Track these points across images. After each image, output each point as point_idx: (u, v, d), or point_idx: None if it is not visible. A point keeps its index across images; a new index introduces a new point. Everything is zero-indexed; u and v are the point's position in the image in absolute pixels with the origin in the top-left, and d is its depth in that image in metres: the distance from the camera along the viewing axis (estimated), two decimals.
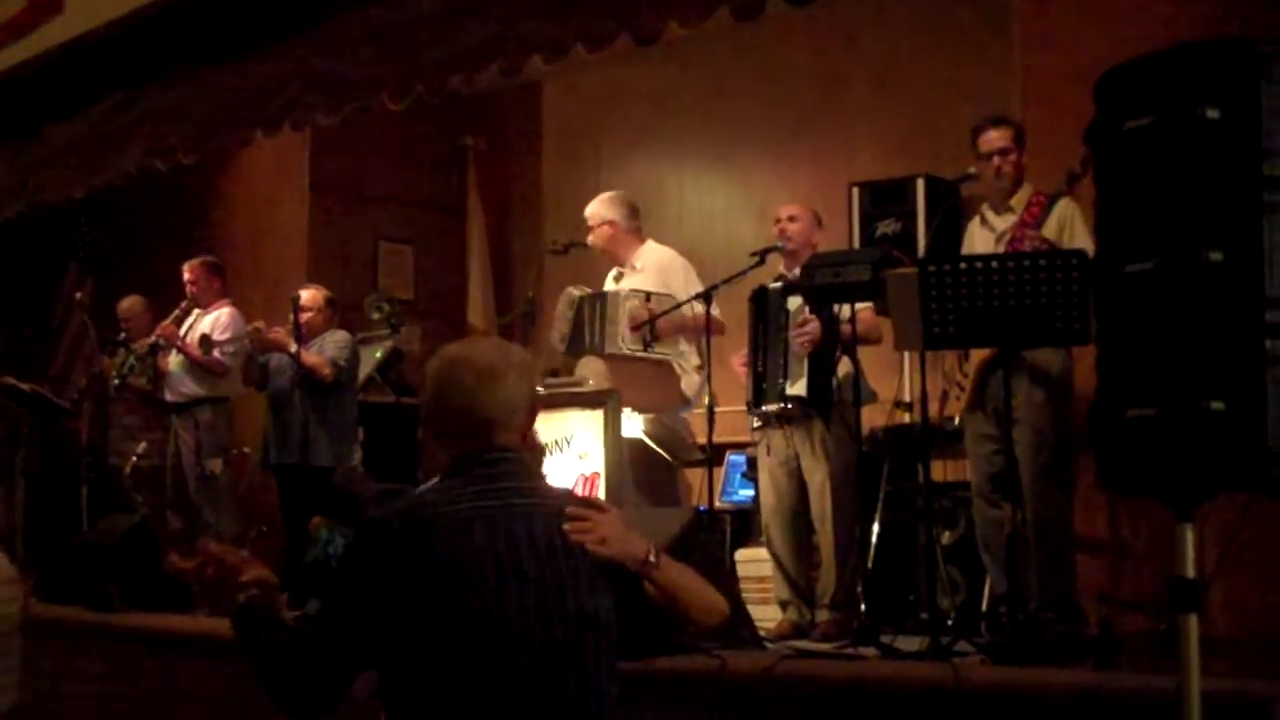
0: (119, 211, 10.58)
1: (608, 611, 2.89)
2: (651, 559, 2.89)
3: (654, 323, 6.24)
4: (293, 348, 7.72)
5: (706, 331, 5.96)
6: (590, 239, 6.92)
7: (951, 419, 6.53)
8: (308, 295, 7.98)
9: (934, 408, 7.12)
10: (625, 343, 6.28)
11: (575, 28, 4.99)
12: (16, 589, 6.10)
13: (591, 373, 6.25)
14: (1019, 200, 5.55)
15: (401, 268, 10.75)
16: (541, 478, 3.49)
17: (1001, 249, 5.42)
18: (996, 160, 5.57)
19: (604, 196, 7.03)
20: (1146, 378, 3.37)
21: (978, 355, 5.45)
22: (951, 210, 6.89)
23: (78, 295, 10.17)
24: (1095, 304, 3.60)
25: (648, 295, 6.33)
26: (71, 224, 10.75)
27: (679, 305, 6.28)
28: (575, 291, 6.71)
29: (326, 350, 7.92)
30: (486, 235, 10.76)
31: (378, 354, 9.16)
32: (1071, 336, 4.69)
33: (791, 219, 6.27)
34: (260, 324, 8.03)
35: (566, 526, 2.86)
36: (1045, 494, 5.27)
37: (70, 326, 10.45)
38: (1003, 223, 5.58)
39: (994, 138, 5.60)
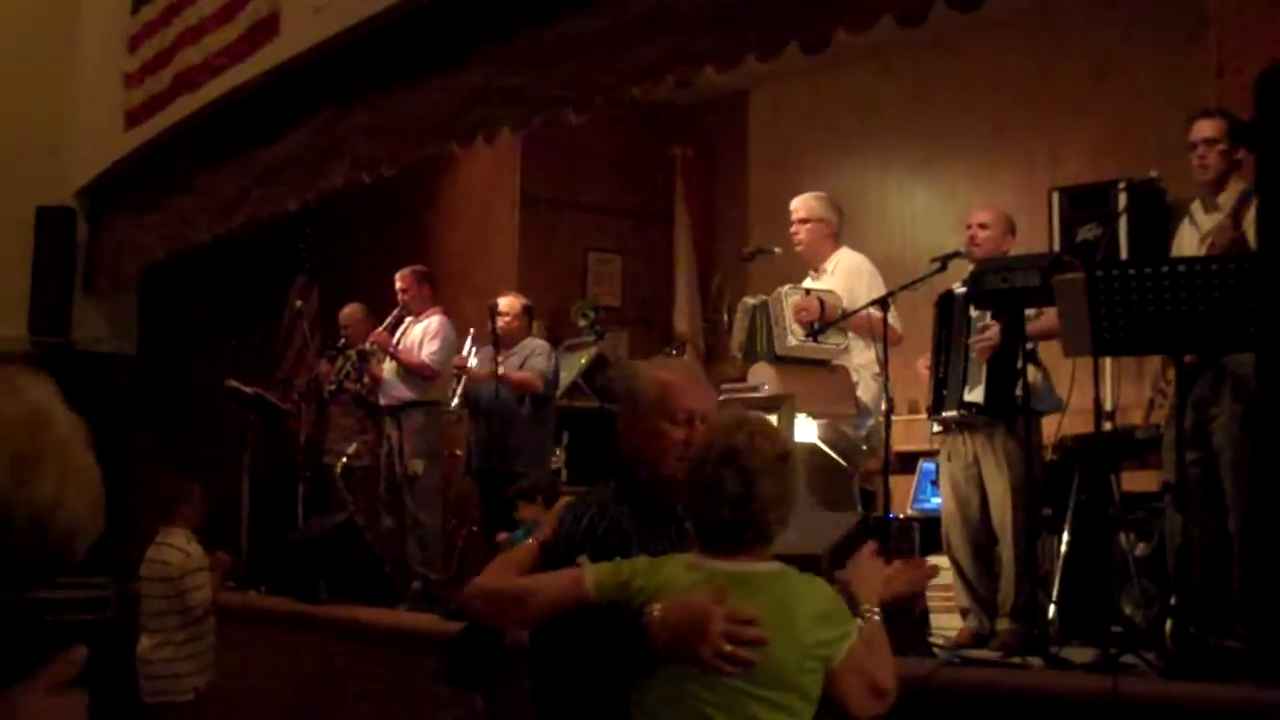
0: (343, 221, 11.06)
1: None
2: None
3: (822, 311, 6.24)
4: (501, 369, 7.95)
5: (884, 339, 5.93)
6: (797, 234, 6.90)
7: (1152, 426, 6.41)
8: (505, 302, 8.23)
9: (1140, 415, 6.98)
10: (794, 336, 6.29)
11: (745, 39, 5.05)
12: (205, 576, 6.50)
13: (765, 377, 6.29)
14: (1227, 199, 5.33)
15: (610, 276, 10.97)
16: None
17: (1204, 249, 5.25)
18: (1200, 149, 5.37)
19: (818, 195, 7.03)
20: None
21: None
22: (1154, 213, 6.72)
23: (299, 304, 10.64)
24: (1256, 307, 3.52)
25: (807, 291, 6.35)
26: (298, 235, 11.26)
27: (853, 314, 6.27)
28: (750, 301, 6.77)
29: (533, 363, 8.15)
30: (693, 243, 10.90)
31: (582, 360, 9.35)
32: (1246, 343, 4.54)
33: (983, 226, 6.18)
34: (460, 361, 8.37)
35: None
36: (1251, 504, 5.07)
37: (295, 333, 10.94)
38: (1209, 221, 5.37)
39: (1202, 127, 5.39)
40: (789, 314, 6.38)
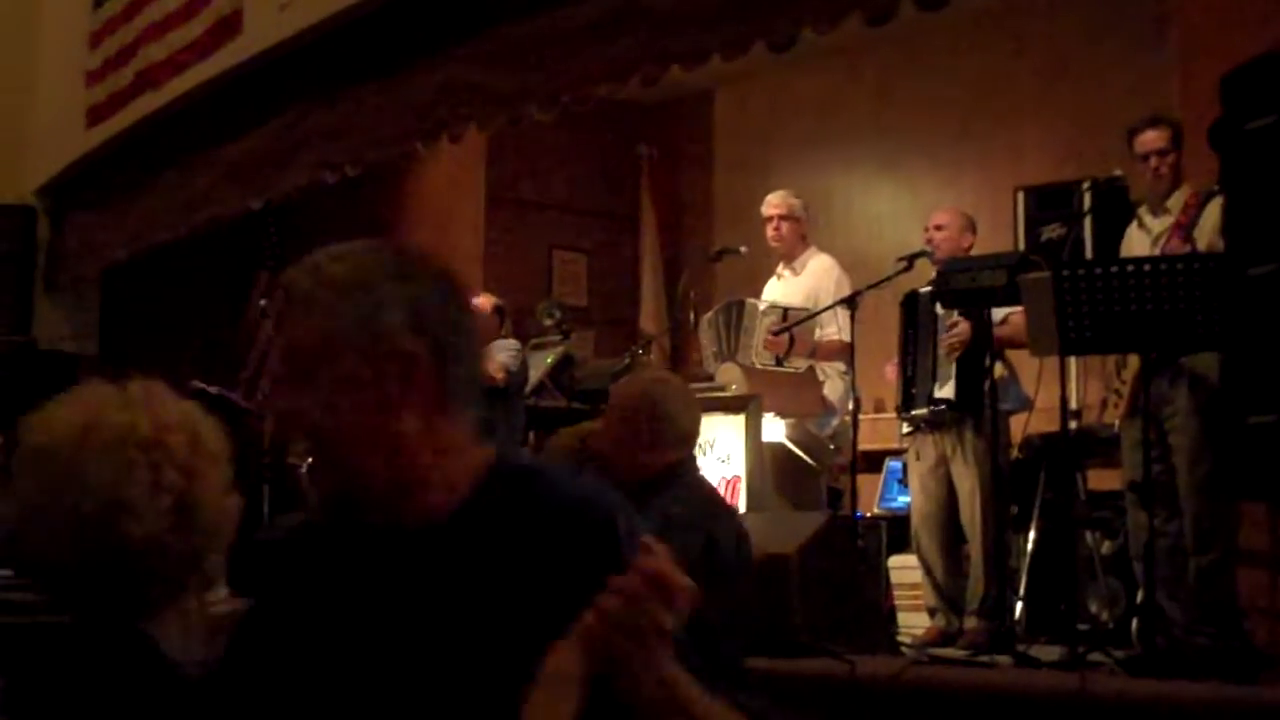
0: (307, 220, 10.96)
1: None
2: None
3: (790, 345, 6.30)
4: None
5: (851, 339, 5.95)
6: (779, 229, 6.89)
7: (1108, 425, 6.44)
8: (476, 302, 8.20)
9: (1094, 414, 7.02)
10: (758, 358, 6.33)
11: (712, 38, 5.04)
12: None
13: (733, 378, 6.31)
14: (1175, 202, 5.36)
15: (575, 275, 10.96)
16: None
17: (1156, 252, 5.29)
18: (1154, 161, 5.40)
19: (792, 192, 7.05)
20: (1268, 384, 3.29)
21: (1136, 361, 5.29)
22: (1118, 212, 6.78)
23: (263, 302, 10.56)
24: (1223, 306, 3.53)
25: (784, 312, 6.36)
26: (262, 233, 11.15)
27: (812, 315, 6.30)
28: (708, 316, 6.87)
29: (497, 356, 8.13)
30: (658, 243, 10.90)
31: (549, 359, 9.33)
32: (1211, 342, 4.56)
33: (939, 227, 6.21)
34: None
35: None
36: (1205, 503, 5.10)
37: (259, 332, 10.84)
38: (1159, 225, 5.41)
39: (1151, 138, 5.41)
40: (760, 335, 6.40)
